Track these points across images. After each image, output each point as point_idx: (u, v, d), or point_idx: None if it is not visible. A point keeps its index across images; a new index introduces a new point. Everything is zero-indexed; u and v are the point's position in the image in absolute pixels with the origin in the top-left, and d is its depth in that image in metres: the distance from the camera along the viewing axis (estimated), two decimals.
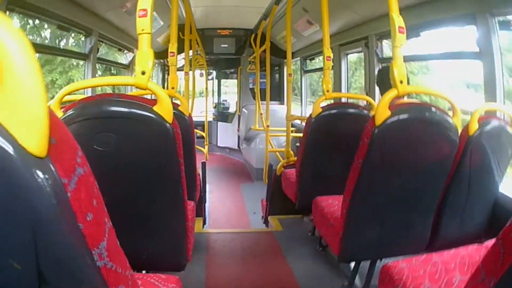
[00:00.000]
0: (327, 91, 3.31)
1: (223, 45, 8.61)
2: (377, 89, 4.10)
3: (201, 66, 8.86)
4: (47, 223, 0.65)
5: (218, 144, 10.52)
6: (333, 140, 3.26)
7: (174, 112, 1.86)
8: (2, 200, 0.60)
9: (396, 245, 2.50)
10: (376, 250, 2.50)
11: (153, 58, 1.90)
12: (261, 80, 7.95)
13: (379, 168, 2.17)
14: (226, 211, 6.06)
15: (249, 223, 5.45)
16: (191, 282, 3.02)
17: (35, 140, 0.62)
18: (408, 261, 1.96)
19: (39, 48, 3.95)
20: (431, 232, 2.50)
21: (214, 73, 10.75)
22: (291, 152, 4.66)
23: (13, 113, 0.60)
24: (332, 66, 4.97)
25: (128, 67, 6.30)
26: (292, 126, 5.69)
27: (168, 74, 6.58)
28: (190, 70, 6.03)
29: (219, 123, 10.53)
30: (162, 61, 8.77)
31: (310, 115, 3.24)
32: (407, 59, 3.15)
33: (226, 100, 10.85)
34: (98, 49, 4.79)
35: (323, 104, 3.27)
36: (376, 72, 4.41)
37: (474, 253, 2.05)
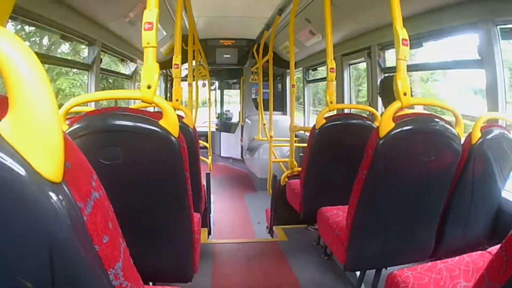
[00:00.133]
0: (331, 102, 3.32)
1: (225, 56, 8.61)
2: (380, 99, 4.12)
3: (204, 77, 8.87)
4: (64, 246, 0.66)
5: (222, 155, 10.52)
6: (337, 150, 3.27)
7: (179, 125, 1.87)
8: (19, 224, 0.61)
9: (401, 254, 2.51)
10: (381, 258, 2.50)
11: (158, 72, 1.90)
12: (263, 91, 7.96)
13: (383, 179, 2.19)
14: (230, 221, 6.06)
15: (253, 233, 5.44)
16: None
17: (50, 166, 0.62)
18: (413, 269, 1.97)
19: (41, 58, 3.96)
20: (435, 239, 2.51)
21: (217, 83, 10.76)
22: (295, 162, 4.67)
23: (27, 138, 0.61)
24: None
25: (131, 78, 6.31)
26: (296, 136, 5.70)
27: (171, 85, 6.59)
28: (193, 80, 6.04)
29: (222, 133, 10.54)
30: (164, 71, 8.79)
31: (314, 126, 3.25)
32: (409, 68, 3.17)
33: (229, 111, 10.87)
34: (101, 60, 4.80)
35: (327, 114, 3.28)
36: (378, 82, 4.42)
37: (478, 259, 2.07)
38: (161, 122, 1.78)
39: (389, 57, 4.64)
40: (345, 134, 3.24)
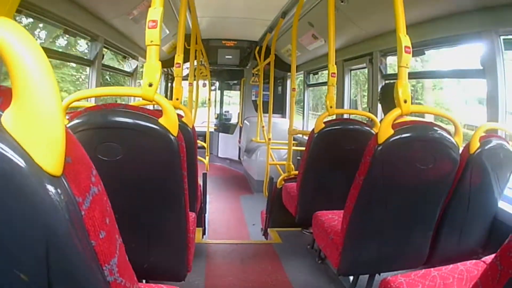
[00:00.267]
0: (331, 107, 3.32)
1: (227, 56, 8.61)
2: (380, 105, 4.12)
3: (205, 77, 8.86)
4: (61, 240, 0.66)
5: (219, 155, 10.51)
6: (335, 155, 3.27)
7: (178, 124, 1.87)
8: (18, 216, 0.61)
9: (395, 260, 2.51)
10: (375, 264, 2.51)
11: (160, 71, 1.90)
12: (264, 93, 7.97)
13: (380, 185, 2.19)
14: (225, 222, 6.06)
15: (248, 234, 5.45)
16: None
17: (51, 159, 0.63)
18: (407, 275, 1.97)
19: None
20: (430, 247, 2.51)
21: (217, 83, 10.77)
22: (292, 165, 4.67)
23: (29, 130, 0.61)
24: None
25: (132, 75, 6.31)
26: (294, 139, 5.71)
27: (172, 83, 6.56)
28: (194, 80, 6.04)
29: (220, 134, 10.53)
30: (166, 70, 8.79)
31: (313, 130, 3.26)
32: (411, 76, 3.17)
33: (228, 111, 10.86)
34: (103, 56, 4.80)
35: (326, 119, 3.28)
36: (379, 89, 4.42)
37: (472, 268, 2.07)
38: (161, 120, 1.79)
39: (391, 64, 4.64)
40: (344, 139, 3.24)
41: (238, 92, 10.50)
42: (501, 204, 2.68)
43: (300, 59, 7.18)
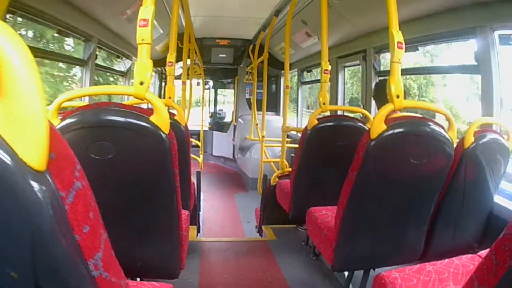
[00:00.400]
0: (324, 103, 3.33)
1: (221, 55, 8.61)
2: (373, 102, 4.13)
3: (199, 76, 8.86)
4: (45, 235, 0.66)
5: (213, 153, 10.51)
6: (328, 152, 3.28)
7: (170, 122, 1.87)
8: (3, 211, 0.61)
9: (389, 256, 2.51)
10: (370, 260, 2.50)
11: (152, 69, 1.91)
12: (257, 91, 7.97)
13: (373, 181, 2.18)
14: (220, 220, 6.07)
15: (243, 232, 5.46)
16: None
17: (34, 154, 0.63)
18: (401, 270, 1.97)
19: (34, 52, 3.95)
20: (424, 242, 2.50)
21: (211, 82, 10.76)
22: (286, 163, 4.67)
23: (13, 126, 0.61)
24: (330, 79, 5.01)
25: (126, 75, 6.29)
26: (288, 137, 5.70)
27: (165, 83, 6.57)
28: (188, 79, 6.04)
29: (214, 132, 10.53)
30: (159, 69, 8.78)
31: (306, 127, 3.25)
32: (404, 72, 3.17)
33: (222, 110, 10.87)
34: (96, 56, 4.78)
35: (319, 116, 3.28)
36: (373, 85, 4.43)
37: (468, 262, 2.06)
38: (151, 118, 1.79)
39: (384, 61, 4.65)
40: (337, 135, 3.24)
41: (232, 91, 10.50)
42: (497, 199, 2.69)
43: (294, 57, 7.19)
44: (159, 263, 2.19)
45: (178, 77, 6.67)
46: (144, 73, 1.86)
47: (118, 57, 6.04)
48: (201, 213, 4.97)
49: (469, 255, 2.14)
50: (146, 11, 1.88)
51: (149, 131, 1.78)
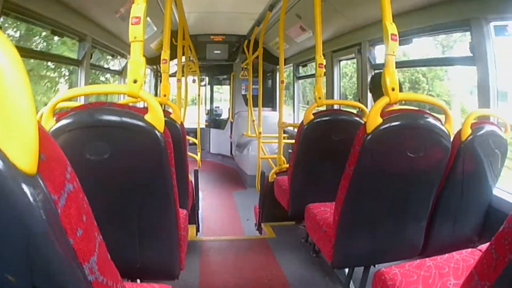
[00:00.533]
0: (319, 98, 3.31)
1: (216, 51, 8.60)
2: (369, 95, 4.11)
3: (194, 73, 8.84)
4: (39, 239, 0.65)
5: (211, 151, 10.52)
6: (325, 147, 3.26)
7: (165, 120, 1.86)
8: None
9: (389, 251, 2.49)
10: (369, 256, 2.49)
11: (145, 67, 1.90)
12: (253, 87, 7.97)
13: (370, 175, 2.17)
14: (219, 218, 6.07)
15: (242, 230, 5.46)
16: None
17: (25, 157, 0.62)
18: (401, 266, 1.95)
19: (27, 53, 3.93)
20: (424, 237, 2.49)
21: (207, 79, 10.75)
22: (283, 159, 4.66)
23: (3, 129, 0.60)
24: (325, 73, 4.99)
25: (121, 74, 6.26)
26: (285, 132, 5.69)
27: (161, 81, 6.56)
28: (183, 76, 6.02)
29: (211, 129, 10.54)
30: (155, 67, 8.76)
31: (302, 122, 3.24)
32: (399, 65, 3.15)
33: (218, 107, 10.87)
34: (91, 55, 4.76)
35: (315, 111, 3.27)
36: (369, 79, 4.42)
37: (468, 257, 2.05)
38: (146, 116, 1.77)
39: (380, 54, 4.63)
40: (333, 130, 3.23)
41: (228, 88, 10.48)
42: (496, 191, 2.68)
43: (289, 52, 7.18)
44: (159, 264, 2.18)
45: (173, 75, 6.65)
46: (137, 71, 1.85)
47: (113, 55, 6.01)
48: (200, 211, 4.97)
49: (469, 250, 2.13)
50: (138, 8, 1.87)
51: (144, 130, 1.77)
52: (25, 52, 3.74)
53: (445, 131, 2.17)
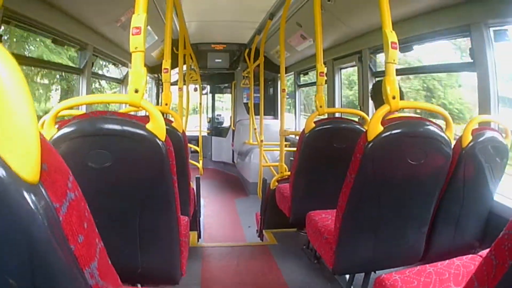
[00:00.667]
0: (320, 106, 3.32)
1: (217, 60, 8.62)
2: (371, 103, 4.12)
3: (195, 81, 8.86)
4: (41, 245, 0.67)
5: (213, 159, 10.50)
6: (326, 155, 3.27)
7: (167, 129, 1.87)
8: (1, 224, 0.62)
9: (390, 258, 2.49)
10: (370, 262, 2.49)
11: (146, 77, 1.91)
12: (255, 95, 7.97)
13: (371, 182, 2.17)
14: (221, 225, 6.06)
15: (244, 237, 5.45)
16: None
17: (27, 167, 0.64)
18: (401, 272, 1.95)
19: (30, 61, 3.95)
20: (425, 243, 2.49)
21: (208, 87, 10.76)
22: (285, 166, 4.67)
23: (5, 139, 0.61)
24: (326, 81, 5.00)
25: (123, 82, 6.28)
26: (286, 140, 5.70)
27: (163, 89, 6.58)
28: (184, 85, 6.03)
29: (213, 137, 10.52)
30: (156, 75, 8.78)
31: (304, 130, 3.25)
32: (400, 72, 3.15)
33: (220, 115, 10.87)
34: (92, 64, 4.78)
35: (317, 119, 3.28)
36: (370, 86, 4.43)
37: (468, 263, 2.05)
38: (148, 125, 1.79)
39: (381, 61, 4.64)
40: (335, 138, 3.23)
41: (230, 96, 10.48)
42: (497, 198, 2.67)
43: (290, 60, 7.22)
44: (160, 270, 2.18)
45: (175, 83, 6.67)
46: (138, 81, 1.87)
47: (114, 64, 6.03)
48: (201, 218, 4.97)
49: (470, 256, 2.13)
50: (139, 18, 1.89)
51: (145, 138, 1.78)
52: (26, 61, 3.77)
53: (445, 138, 2.18)
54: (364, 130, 2.14)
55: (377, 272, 2.61)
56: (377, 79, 4.55)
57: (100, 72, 6.26)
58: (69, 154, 1.70)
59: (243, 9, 5.81)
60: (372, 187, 2.18)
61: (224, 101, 11.67)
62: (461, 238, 2.61)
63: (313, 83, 7.07)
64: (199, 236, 4.48)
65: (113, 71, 6.51)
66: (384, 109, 2.12)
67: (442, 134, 2.17)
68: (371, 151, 2.07)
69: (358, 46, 4.75)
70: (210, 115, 10.84)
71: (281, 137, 4.79)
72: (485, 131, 2.46)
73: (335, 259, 2.43)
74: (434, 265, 2.02)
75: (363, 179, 2.15)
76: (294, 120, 7.99)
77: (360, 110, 4.44)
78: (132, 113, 2.64)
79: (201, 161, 7.41)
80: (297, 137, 3.56)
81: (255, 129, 7.33)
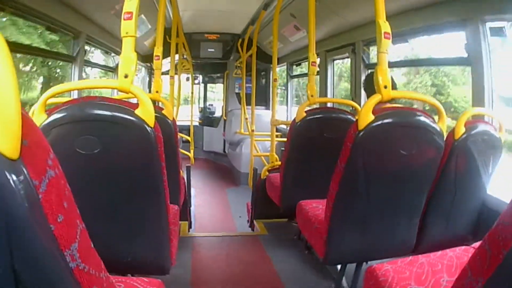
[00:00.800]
0: (312, 96, 3.32)
1: (210, 50, 8.61)
2: (363, 94, 4.13)
3: (188, 70, 8.84)
4: (20, 224, 0.66)
5: (204, 149, 10.49)
6: (316, 144, 3.27)
7: (157, 116, 1.87)
8: None
9: (381, 248, 2.49)
10: (361, 253, 2.49)
11: (136, 62, 1.91)
12: (247, 85, 7.97)
13: (361, 172, 2.17)
14: (212, 215, 6.06)
15: (235, 227, 5.45)
16: (176, 286, 3.01)
17: (7, 142, 0.63)
18: (393, 263, 1.95)
19: (21, 48, 3.92)
20: (417, 235, 2.50)
21: (201, 77, 10.73)
22: (276, 156, 4.67)
23: None
24: (318, 72, 4.99)
25: (115, 70, 6.24)
26: (278, 130, 5.70)
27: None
28: (176, 74, 6.01)
29: (205, 127, 10.51)
30: (149, 64, 8.75)
31: (294, 119, 3.25)
32: (393, 65, 3.15)
33: (212, 105, 10.85)
34: (85, 52, 4.75)
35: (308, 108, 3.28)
36: (363, 78, 4.44)
37: (462, 254, 2.05)
38: (137, 111, 1.78)
39: (374, 53, 4.64)
40: (325, 127, 3.24)
41: (222, 85, 10.46)
42: (490, 191, 2.68)
43: (283, 51, 7.21)
44: (149, 259, 2.18)
45: (167, 73, 6.65)
46: (128, 66, 1.86)
47: (107, 52, 6.00)
48: (192, 208, 4.96)
49: (463, 247, 2.13)
50: (131, 3, 1.89)
51: (134, 124, 1.77)
52: (18, 48, 3.74)
53: (438, 129, 2.18)
54: (355, 120, 2.14)
55: (368, 262, 2.62)
56: (370, 71, 4.55)
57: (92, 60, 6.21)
58: (58, 140, 1.70)
59: None
60: (362, 176, 2.18)
61: (217, 91, 11.64)
62: (453, 230, 2.62)
63: (305, 74, 7.08)
64: (190, 226, 4.48)
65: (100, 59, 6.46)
66: (376, 98, 2.12)
67: (434, 125, 2.17)
68: (361, 140, 2.07)
69: (352, 38, 4.74)
70: (202, 105, 10.81)
71: (272, 127, 4.80)
72: (478, 123, 2.46)
73: (325, 249, 2.43)
74: (427, 256, 2.02)
75: (353, 169, 2.15)
76: (286, 112, 7.99)
77: (352, 100, 4.45)
78: (124, 100, 2.63)
79: (192, 151, 7.40)
80: (288, 128, 3.56)
81: (246, 119, 7.33)
